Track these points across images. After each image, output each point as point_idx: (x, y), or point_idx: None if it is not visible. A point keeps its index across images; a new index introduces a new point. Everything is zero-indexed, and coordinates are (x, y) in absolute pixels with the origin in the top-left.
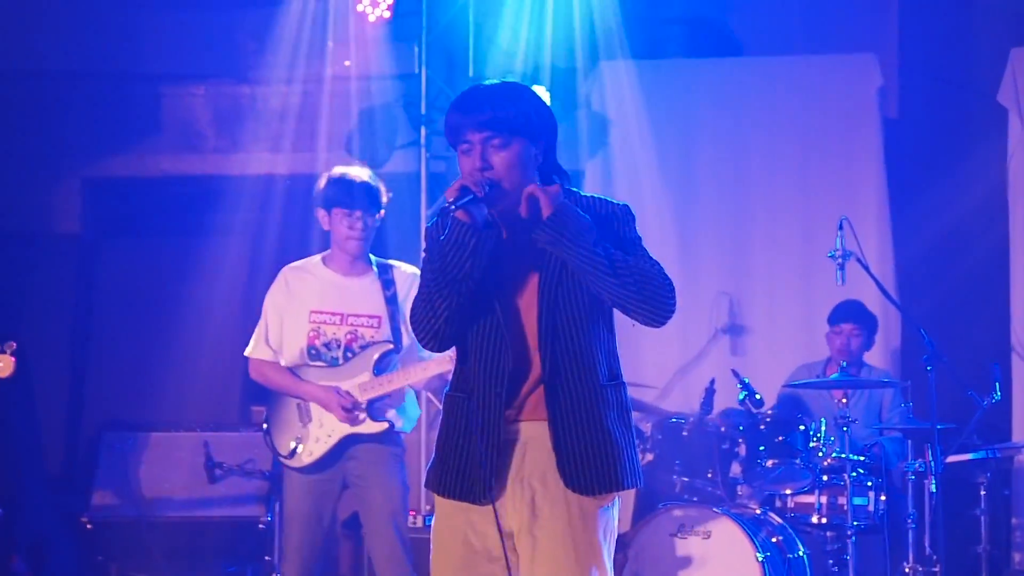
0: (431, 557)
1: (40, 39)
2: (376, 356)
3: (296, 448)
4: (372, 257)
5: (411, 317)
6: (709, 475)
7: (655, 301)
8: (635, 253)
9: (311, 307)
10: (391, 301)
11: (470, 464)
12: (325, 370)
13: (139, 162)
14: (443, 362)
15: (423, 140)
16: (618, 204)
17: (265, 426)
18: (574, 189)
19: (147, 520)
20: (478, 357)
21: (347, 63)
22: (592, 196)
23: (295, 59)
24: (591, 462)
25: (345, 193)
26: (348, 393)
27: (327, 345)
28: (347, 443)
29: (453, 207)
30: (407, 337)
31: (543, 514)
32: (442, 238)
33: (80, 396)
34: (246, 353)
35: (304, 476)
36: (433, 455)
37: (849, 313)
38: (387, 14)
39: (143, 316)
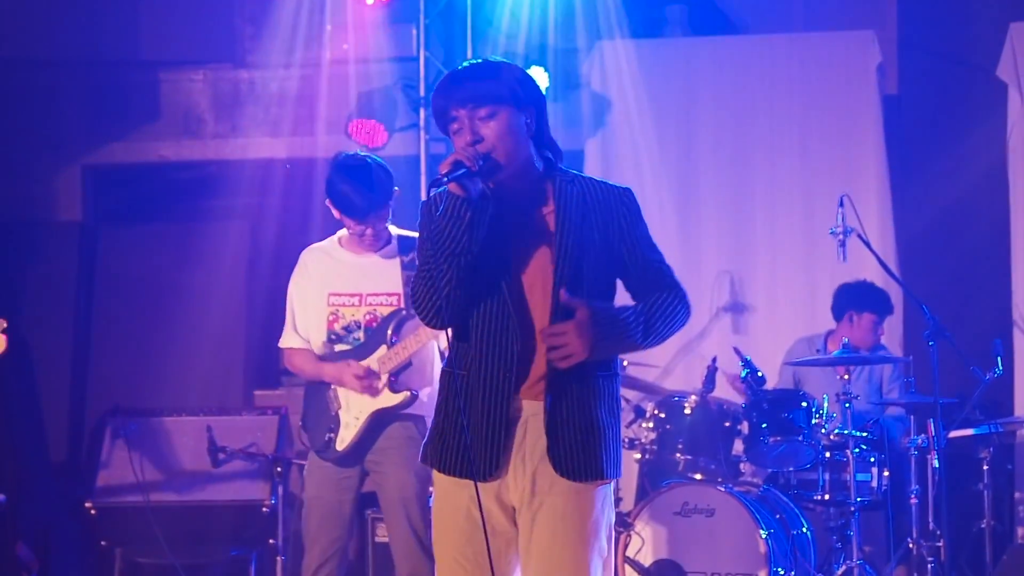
0: (433, 533)
1: (38, 27)
2: (391, 327)
3: (330, 439)
4: (393, 230)
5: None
6: (712, 453)
7: (675, 331)
8: (647, 254)
9: (329, 289)
10: (409, 267)
11: (473, 442)
12: (350, 353)
13: (139, 148)
14: None
15: (422, 123)
16: (621, 189)
17: (302, 422)
18: (573, 171)
19: (151, 505)
20: (482, 336)
21: (345, 46)
22: (592, 179)
23: (293, 43)
24: (579, 450)
25: (353, 207)
26: (359, 363)
27: (347, 328)
28: (376, 425)
29: (446, 179)
30: None
31: (543, 491)
32: (438, 213)
33: (83, 382)
34: (279, 344)
35: (327, 465)
36: (430, 432)
37: (864, 303)
38: None
39: (145, 301)
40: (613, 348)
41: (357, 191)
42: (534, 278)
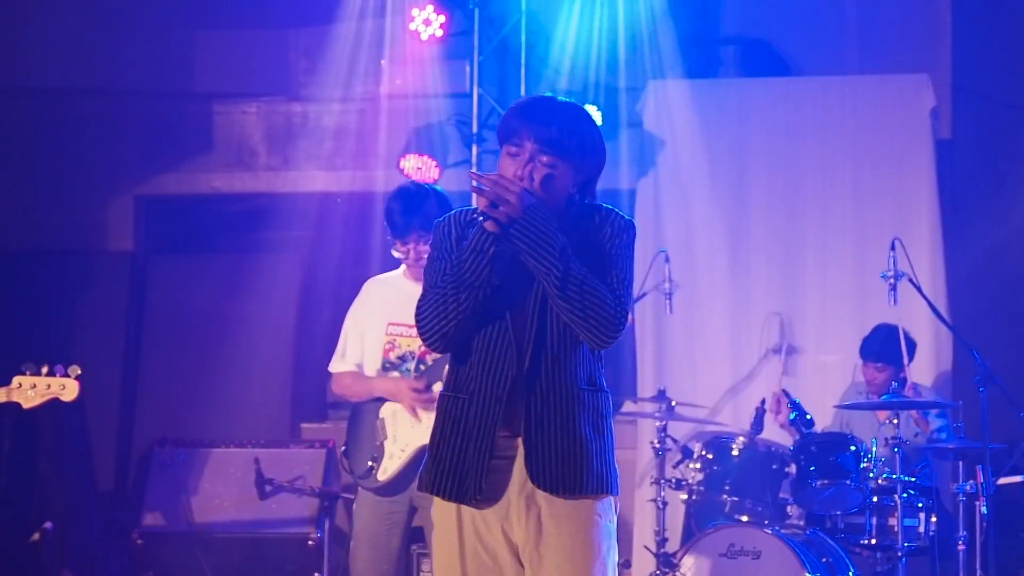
0: (434, 565)
1: (95, 58)
2: (447, 365)
3: (372, 467)
4: None
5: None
6: (759, 495)
7: (594, 322)
8: (608, 269)
9: (388, 319)
10: None
11: (466, 466)
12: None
13: (191, 180)
14: None
15: (474, 159)
16: (620, 216)
17: (343, 448)
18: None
19: (197, 536)
20: (482, 360)
21: (399, 81)
22: (596, 206)
23: (347, 77)
24: (557, 463)
25: (395, 225)
26: (416, 377)
27: (401, 358)
28: (421, 459)
29: (482, 217)
30: None
31: (549, 531)
32: (464, 243)
33: (132, 412)
34: (329, 368)
35: (375, 498)
36: (426, 458)
37: (870, 352)
38: (439, 33)
39: (195, 333)
40: (539, 233)
41: (401, 210)
42: (528, 306)
